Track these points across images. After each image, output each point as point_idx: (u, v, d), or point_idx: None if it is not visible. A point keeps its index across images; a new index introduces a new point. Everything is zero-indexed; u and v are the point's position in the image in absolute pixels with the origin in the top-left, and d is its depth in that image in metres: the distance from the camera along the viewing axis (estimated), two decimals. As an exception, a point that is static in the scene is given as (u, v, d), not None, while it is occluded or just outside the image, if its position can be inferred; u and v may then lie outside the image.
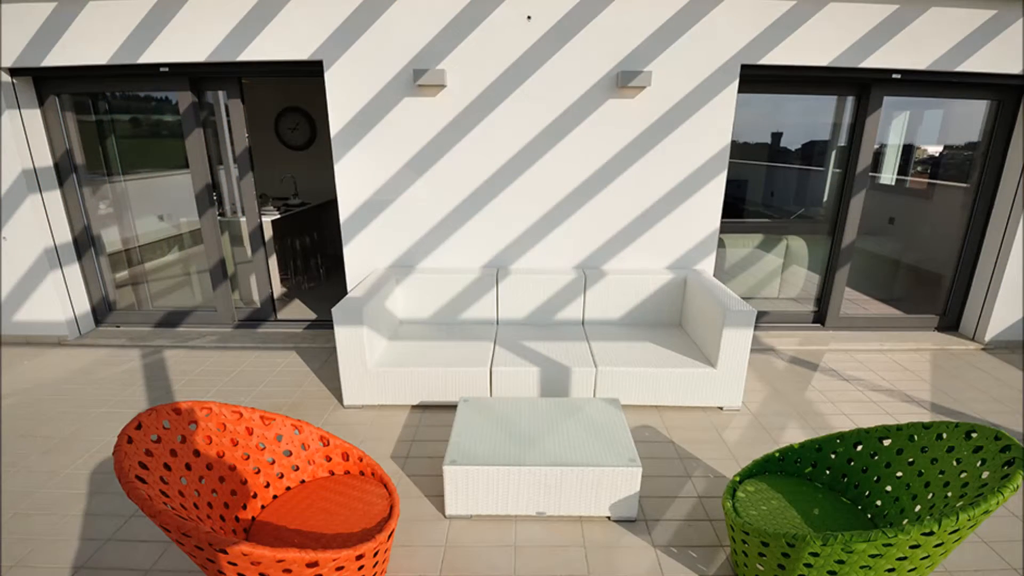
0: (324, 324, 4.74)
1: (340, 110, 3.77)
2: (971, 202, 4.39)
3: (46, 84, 4.10)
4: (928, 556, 1.66)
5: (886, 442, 2.10)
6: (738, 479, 2.21)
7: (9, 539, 2.29)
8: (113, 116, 4.41)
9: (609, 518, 2.40)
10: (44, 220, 4.20)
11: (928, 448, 1.96)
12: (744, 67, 3.73)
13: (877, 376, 3.83)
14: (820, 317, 4.67)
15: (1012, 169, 4.13)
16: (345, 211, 3.99)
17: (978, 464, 1.78)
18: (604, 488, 2.32)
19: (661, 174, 3.88)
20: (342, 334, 3.19)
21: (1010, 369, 3.97)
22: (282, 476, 2.17)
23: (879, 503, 2.04)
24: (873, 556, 1.65)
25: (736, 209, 4.84)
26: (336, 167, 3.89)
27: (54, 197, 4.26)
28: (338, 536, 1.89)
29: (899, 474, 2.02)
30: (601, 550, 2.24)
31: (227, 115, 4.22)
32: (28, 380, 3.76)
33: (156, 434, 1.83)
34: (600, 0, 3.54)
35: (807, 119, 4.44)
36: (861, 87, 4.05)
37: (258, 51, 3.70)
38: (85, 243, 4.48)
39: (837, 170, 4.42)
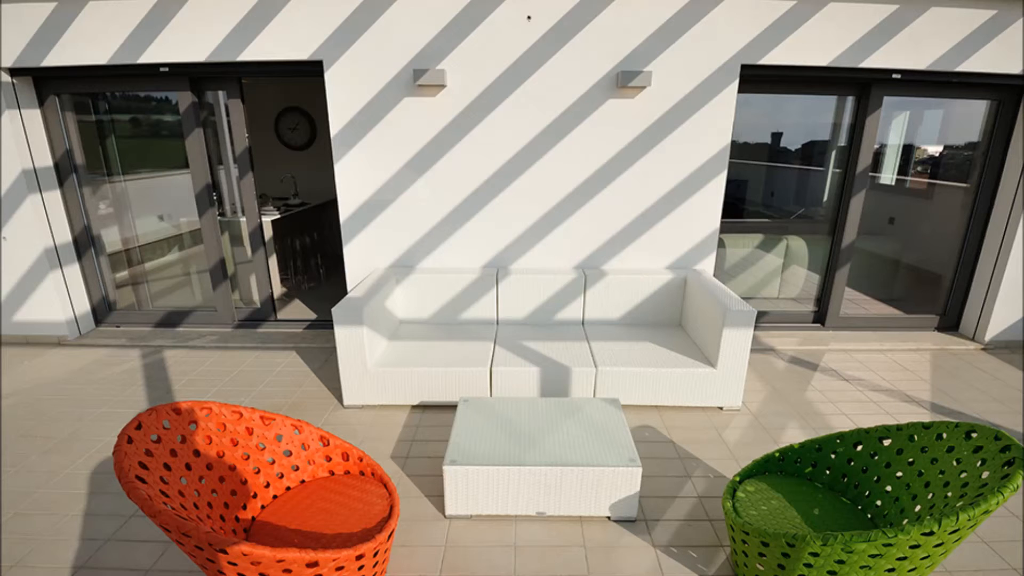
0: (324, 324, 4.74)
1: (340, 110, 3.77)
2: (971, 202, 4.39)
3: (46, 84, 4.10)
4: (928, 556, 1.66)
5: (886, 442, 2.10)
6: (738, 479, 2.21)
7: (9, 539, 2.29)
8: (113, 116, 4.41)
9: (609, 518, 2.40)
10: (44, 220, 4.20)
11: (928, 448, 1.96)
12: (744, 67, 3.73)
13: (877, 376, 3.83)
14: (820, 317, 4.67)
15: (1012, 169, 4.13)
16: (345, 211, 3.99)
17: (978, 464, 1.78)
18: (604, 488, 2.32)
19: (661, 174, 3.88)
20: (342, 334, 3.20)
21: (1010, 369, 3.97)
22: (282, 476, 2.17)
23: (879, 503, 2.04)
24: (873, 556, 1.65)
25: (736, 209, 4.84)
26: (336, 167, 3.89)
27: (54, 197, 4.26)
28: (338, 536, 1.89)
29: (899, 474, 2.02)
30: (601, 550, 2.24)
31: (227, 115, 4.22)
32: (28, 380, 3.76)
33: (156, 434, 1.83)
34: (600, 0, 3.54)
35: (807, 119, 4.44)
36: (861, 87, 4.05)
37: (258, 51, 3.70)
38: (85, 243, 4.48)
39: (837, 170, 4.42)
